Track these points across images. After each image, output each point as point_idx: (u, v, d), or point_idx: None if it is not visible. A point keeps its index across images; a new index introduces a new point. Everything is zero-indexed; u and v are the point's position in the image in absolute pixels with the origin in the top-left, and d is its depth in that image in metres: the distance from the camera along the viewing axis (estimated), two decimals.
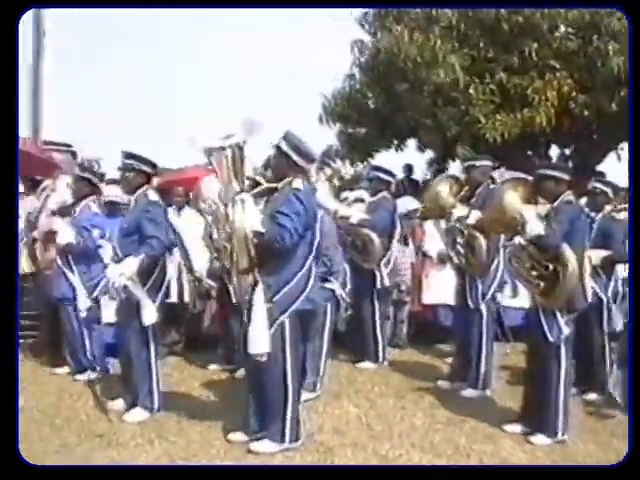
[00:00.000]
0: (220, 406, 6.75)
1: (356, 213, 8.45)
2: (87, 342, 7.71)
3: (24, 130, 14.13)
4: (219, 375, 7.92)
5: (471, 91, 14.09)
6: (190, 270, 8.37)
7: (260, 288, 5.41)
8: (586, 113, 14.12)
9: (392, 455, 5.55)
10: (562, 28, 14.57)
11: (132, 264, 6.13)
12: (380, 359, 8.50)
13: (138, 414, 6.32)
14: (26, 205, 8.44)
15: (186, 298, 8.61)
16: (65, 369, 7.80)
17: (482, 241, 7.02)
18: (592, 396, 7.14)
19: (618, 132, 14.71)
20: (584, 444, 5.90)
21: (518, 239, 5.89)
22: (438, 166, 15.90)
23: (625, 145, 15.35)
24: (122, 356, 6.66)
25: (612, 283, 7.23)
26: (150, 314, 6.23)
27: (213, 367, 8.13)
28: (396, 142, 16.12)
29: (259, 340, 5.37)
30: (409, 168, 15.61)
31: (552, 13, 14.00)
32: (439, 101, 14.37)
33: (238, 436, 5.72)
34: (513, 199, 5.87)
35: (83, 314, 7.59)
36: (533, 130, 13.98)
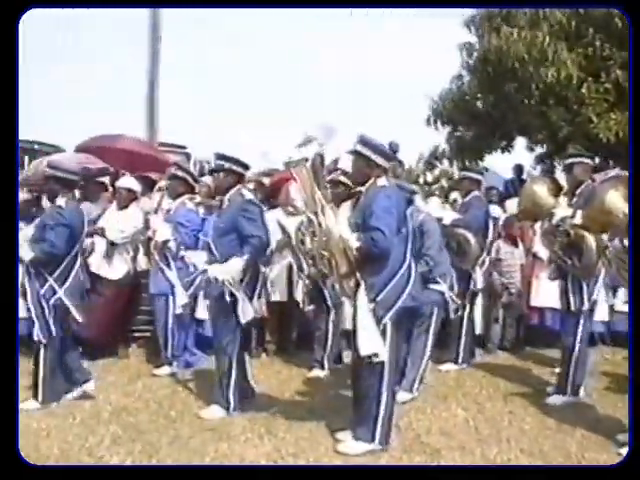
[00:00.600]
0: (329, 405, 6.80)
1: (448, 214, 8.44)
2: (172, 338, 7.92)
3: (141, 131, 14.64)
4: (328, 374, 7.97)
5: (583, 90, 13.76)
6: (300, 269, 8.46)
7: (362, 289, 5.43)
8: None
9: (500, 459, 5.47)
10: None
11: (237, 265, 6.21)
12: (460, 361, 8.40)
13: (214, 412, 6.40)
14: (143, 205, 8.72)
15: (297, 297, 8.69)
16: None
17: (591, 242, 6.73)
18: None
19: None
20: None
21: (619, 241, 5.68)
22: (546, 165, 15.57)
23: None
24: (214, 352, 6.78)
25: None
26: (247, 311, 6.30)
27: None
28: (504, 143, 15.90)
29: (370, 341, 5.37)
30: (519, 169, 15.34)
31: None
32: (549, 100, 14.08)
33: (341, 435, 5.75)
34: (615, 198, 5.66)
35: (179, 310, 7.78)
36: None
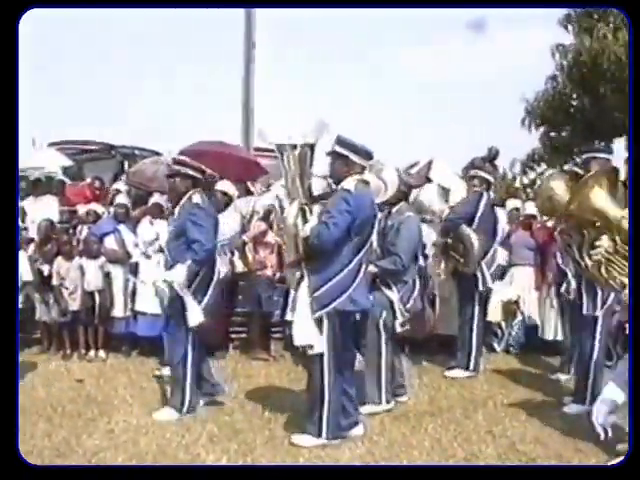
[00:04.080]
0: (425, 408, 6.81)
1: (447, 208, 8.42)
2: None
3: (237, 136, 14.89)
4: (422, 377, 7.94)
5: None
6: None
7: (305, 282, 5.55)
8: None
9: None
10: None
11: (179, 271, 6.29)
12: (471, 368, 8.15)
13: (165, 414, 6.40)
14: (240, 208, 8.88)
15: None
16: None
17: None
18: None
19: None
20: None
21: (608, 241, 5.31)
22: None
23: None
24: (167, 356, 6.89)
25: None
26: (196, 315, 6.30)
27: None
28: (605, 142, 15.52)
29: (304, 332, 5.50)
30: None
31: None
32: None
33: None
34: (599, 196, 5.38)
35: None
36: None
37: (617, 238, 5.24)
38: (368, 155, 5.82)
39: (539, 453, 5.61)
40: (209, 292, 6.49)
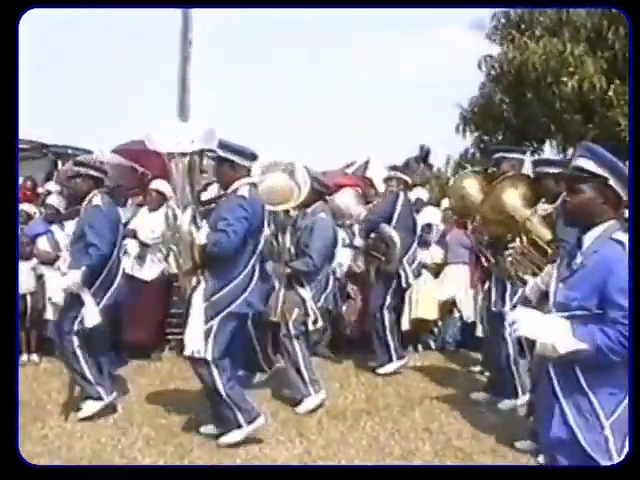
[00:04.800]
0: (362, 407, 6.84)
1: (364, 210, 8.50)
2: None
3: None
4: (359, 376, 8.00)
5: (610, 93, 13.69)
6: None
7: (201, 288, 5.56)
8: None
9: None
10: None
11: (73, 278, 6.23)
12: (395, 358, 8.14)
13: (90, 406, 6.35)
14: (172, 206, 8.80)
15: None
16: None
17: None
18: None
19: None
20: None
21: (518, 242, 5.43)
22: None
23: None
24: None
25: None
26: (92, 316, 6.26)
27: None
28: (534, 147, 15.97)
29: (194, 338, 5.51)
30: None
31: None
32: (572, 107, 14.07)
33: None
34: (512, 198, 5.55)
35: None
36: None
37: (524, 238, 5.36)
38: (252, 156, 5.85)
39: (475, 449, 5.69)
40: (108, 294, 6.42)
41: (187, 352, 5.58)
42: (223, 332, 5.56)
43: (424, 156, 14.28)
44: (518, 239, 5.44)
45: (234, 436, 5.64)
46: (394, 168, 8.67)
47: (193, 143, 5.47)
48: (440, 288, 9.39)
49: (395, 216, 8.18)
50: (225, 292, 5.54)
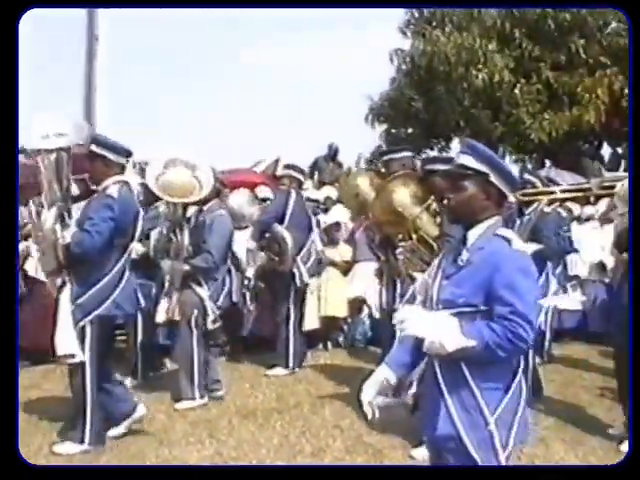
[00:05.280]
0: (272, 406, 6.83)
1: (258, 211, 8.67)
2: None
3: None
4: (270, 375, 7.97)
5: (516, 92, 14.05)
6: (239, 270, 8.46)
7: (67, 289, 5.47)
8: None
9: None
10: (613, 24, 14.46)
11: None
12: (290, 366, 8.12)
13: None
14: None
15: (234, 298, 8.64)
16: None
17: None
18: None
19: None
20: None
21: (410, 241, 5.50)
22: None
23: None
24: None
25: (542, 278, 6.74)
26: None
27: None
28: (442, 143, 16.19)
29: (64, 341, 5.44)
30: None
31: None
32: (480, 103, 14.36)
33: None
34: (403, 195, 5.60)
35: None
36: (583, 129, 13.86)
37: (413, 236, 5.41)
38: (127, 153, 5.79)
39: (385, 444, 5.73)
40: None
41: (59, 354, 5.46)
42: (93, 335, 5.45)
43: (333, 155, 14.38)
44: (408, 237, 5.46)
45: (65, 449, 5.55)
46: (287, 167, 8.64)
47: (60, 137, 5.28)
48: (349, 286, 9.45)
49: (287, 215, 8.15)
50: (91, 294, 5.43)
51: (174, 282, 6.80)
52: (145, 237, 7.15)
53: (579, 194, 7.00)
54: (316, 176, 14.28)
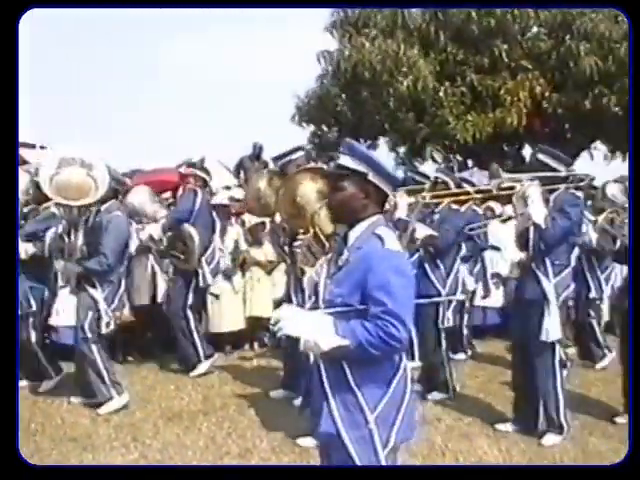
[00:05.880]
0: (198, 407, 6.77)
1: (160, 209, 8.60)
2: None
3: None
4: (196, 378, 7.88)
5: (441, 94, 14.26)
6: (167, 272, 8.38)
7: None
8: (559, 111, 14.31)
9: None
10: (534, 29, 14.79)
11: None
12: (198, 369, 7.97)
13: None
14: None
15: (159, 299, 8.56)
16: None
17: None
18: (436, 395, 7.04)
19: (590, 131, 14.94)
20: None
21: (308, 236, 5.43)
22: (406, 166, 16.14)
23: (597, 144, 15.57)
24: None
25: (452, 276, 7.05)
26: None
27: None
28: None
29: None
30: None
31: (523, 14, 14.19)
32: (405, 106, 14.52)
33: None
34: (308, 190, 5.59)
35: None
36: (506, 130, 14.14)
37: (311, 231, 5.30)
38: None
39: (311, 444, 5.71)
40: None
41: None
42: None
43: (257, 154, 14.31)
44: (308, 232, 5.38)
45: None
46: (191, 165, 8.54)
47: None
48: (275, 286, 9.43)
49: (194, 214, 8.10)
50: None
51: (68, 283, 6.67)
52: (36, 238, 6.96)
53: (477, 195, 7.08)
54: (242, 175, 14.21)
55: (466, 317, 8.99)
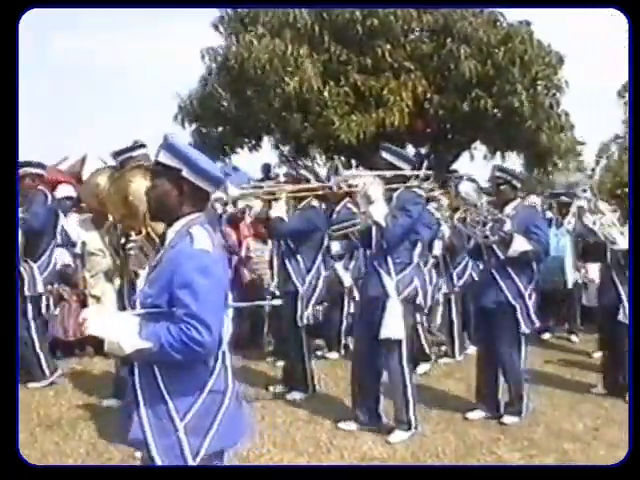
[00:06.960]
0: (79, 413, 6.54)
1: None
2: None
3: None
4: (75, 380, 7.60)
5: (325, 94, 14.32)
6: None
7: None
8: (440, 113, 14.62)
9: (253, 455, 5.47)
10: (416, 31, 15.05)
11: None
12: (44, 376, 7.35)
13: None
14: None
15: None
16: None
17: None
18: (296, 395, 7.11)
19: (470, 132, 15.35)
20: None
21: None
22: (291, 163, 16.12)
23: (477, 144, 16.01)
24: None
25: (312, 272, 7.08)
26: None
27: None
28: (252, 142, 16.26)
29: None
30: (267, 168, 15.61)
31: (406, 16, 14.40)
32: (290, 106, 14.53)
33: None
34: (140, 188, 5.18)
35: None
36: (388, 130, 14.32)
37: (143, 231, 5.30)
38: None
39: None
40: None
41: None
42: None
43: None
44: (140, 233, 5.35)
45: None
46: (25, 164, 8.11)
47: None
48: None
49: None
50: None
51: None
52: None
53: (319, 192, 7.02)
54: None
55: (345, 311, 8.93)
